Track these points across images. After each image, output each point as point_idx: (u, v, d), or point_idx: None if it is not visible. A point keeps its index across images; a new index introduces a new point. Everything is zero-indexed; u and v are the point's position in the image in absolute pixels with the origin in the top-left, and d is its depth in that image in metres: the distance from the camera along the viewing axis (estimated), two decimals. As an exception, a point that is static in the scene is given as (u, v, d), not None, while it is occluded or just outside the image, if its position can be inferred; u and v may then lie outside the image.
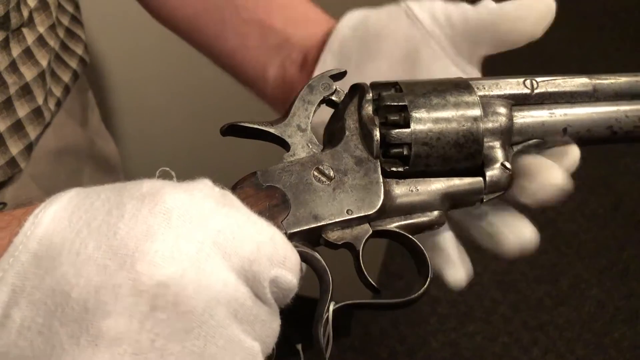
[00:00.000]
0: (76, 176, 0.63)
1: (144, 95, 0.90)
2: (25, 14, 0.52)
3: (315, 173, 0.37)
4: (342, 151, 0.38)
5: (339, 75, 0.41)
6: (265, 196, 0.35)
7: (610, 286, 1.68)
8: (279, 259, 0.31)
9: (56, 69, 0.58)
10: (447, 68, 0.45)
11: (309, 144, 0.38)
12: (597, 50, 2.30)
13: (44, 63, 0.54)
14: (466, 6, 0.45)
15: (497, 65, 0.50)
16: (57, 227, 0.30)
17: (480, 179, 0.40)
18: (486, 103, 0.40)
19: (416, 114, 0.38)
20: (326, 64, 0.46)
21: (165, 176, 0.34)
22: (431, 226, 0.40)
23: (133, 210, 0.30)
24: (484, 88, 0.41)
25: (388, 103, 0.39)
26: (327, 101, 0.40)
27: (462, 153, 0.39)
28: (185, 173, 0.34)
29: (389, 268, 1.59)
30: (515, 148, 0.41)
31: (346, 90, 0.41)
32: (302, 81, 0.46)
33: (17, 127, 0.52)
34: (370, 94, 0.39)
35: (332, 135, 0.40)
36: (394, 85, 0.40)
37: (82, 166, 0.64)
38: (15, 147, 0.52)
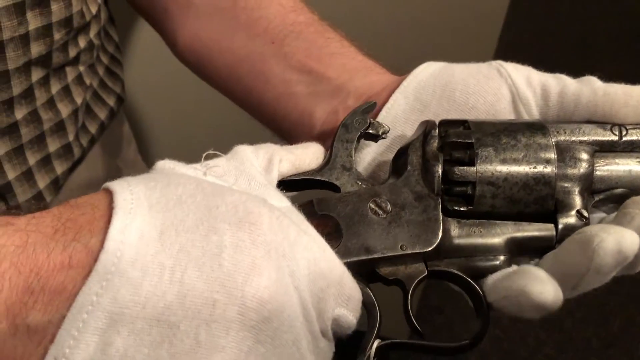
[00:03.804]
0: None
1: (182, 128, 0.93)
2: (73, 53, 0.54)
3: (372, 205, 0.37)
4: (402, 185, 0.37)
5: (369, 108, 0.40)
6: (319, 224, 0.34)
7: (664, 329, 1.60)
8: (344, 298, 0.32)
9: (93, 106, 0.61)
10: None
11: (358, 181, 0.38)
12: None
13: (78, 101, 0.56)
14: (566, 80, 0.42)
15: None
16: (149, 249, 0.29)
17: (552, 225, 0.37)
18: (565, 147, 0.38)
19: (482, 152, 0.37)
20: (395, 106, 0.44)
21: (213, 158, 0.35)
22: (493, 272, 0.37)
23: (234, 240, 0.30)
24: (565, 132, 0.39)
25: (454, 140, 0.38)
26: (365, 135, 0.40)
27: (531, 196, 0.37)
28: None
29: (429, 301, 1.57)
30: (597, 197, 0.39)
31: (383, 122, 0.41)
32: None
33: (46, 162, 0.54)
34: (437, 131, 0.39)
35: (395, 170, 0.39)
36: (463, 123, 0.39)
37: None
38: (42, 182, 0.54)
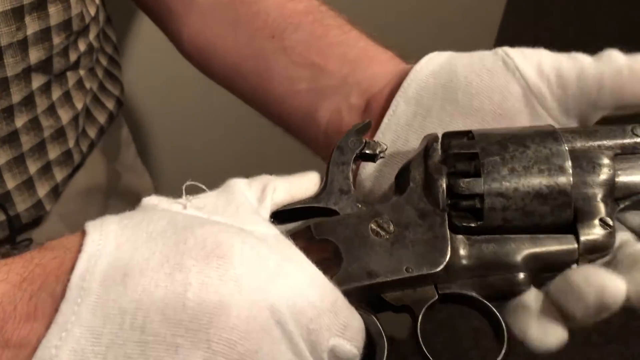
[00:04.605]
0: (106, 213, 0.64)
1: (181, 130, 0.92)
2: (73, 58, 0.53)
3: (373, 226, 0.34)
4: (404, 203, 0.35)
5: (364, 128, 0.38)
6: (318, 249, 0.33)
7: (664, 323, 1.61)
8: (339, 327, 0.30)
9: (93, 110, 0.60)
10: None
11: (358, 204, 0.36)
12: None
13: (79, 106, 0.55)
14: (583, 60, 0.38)
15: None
16: (111, 294, 0.28)
17: (573, 237, 0.34)
18: (582, 153, 0.35)
19: (488, 162, 0.35)
20: (398, 113, 0.42)
21: (193, 191, 0.34)
22: (513, 291, 0.35)
23: (200, 277, 0.28)
24: (580, 137, 0.36)
25: (457, 151, 0.36)
26: (361, 156, 0.38)
27: (546, 206, 0.34)
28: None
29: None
30: (622, 204, 0.36)
31: (386, 129, 0.39)
32: None
33: (46, 170, 0.53)
34: (439, 143, 0.37)
35: (397, 188, 0.37)
36: (467, 134, 0.37)
37: (113, 203, 0.65)
38: (42, 190, 0.53)
